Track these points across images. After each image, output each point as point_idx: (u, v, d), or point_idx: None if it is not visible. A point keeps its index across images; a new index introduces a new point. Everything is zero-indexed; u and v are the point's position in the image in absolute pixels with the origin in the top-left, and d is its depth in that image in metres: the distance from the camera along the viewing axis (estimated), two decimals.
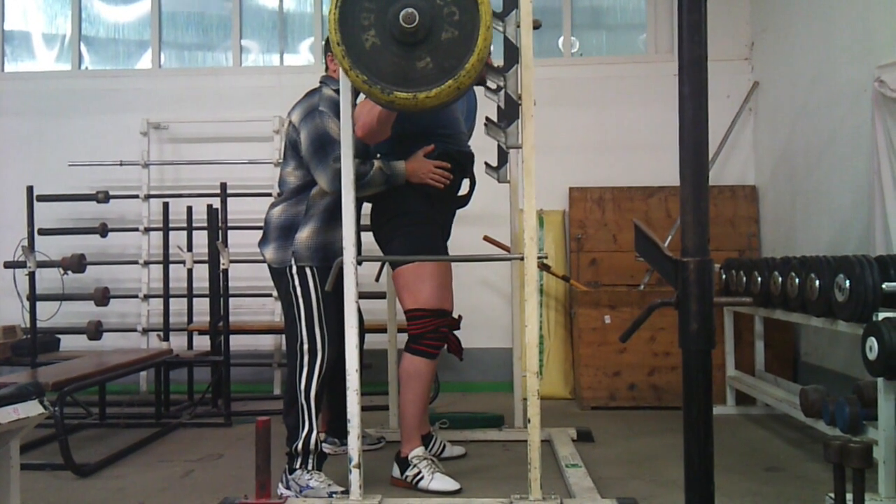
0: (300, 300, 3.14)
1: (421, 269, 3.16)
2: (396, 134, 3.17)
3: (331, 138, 3.06)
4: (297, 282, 3.16)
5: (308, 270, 3.15)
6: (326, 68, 3.42)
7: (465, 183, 3.49)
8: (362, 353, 3.71)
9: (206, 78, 5.92)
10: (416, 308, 3.16)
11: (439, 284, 3.19)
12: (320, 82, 3.33)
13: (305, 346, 3.11)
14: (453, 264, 3.38)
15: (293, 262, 3.16)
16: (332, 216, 3.16)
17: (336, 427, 3.66)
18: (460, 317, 3.40)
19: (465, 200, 3.50)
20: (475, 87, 3.69)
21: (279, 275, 3.23)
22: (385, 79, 2.48)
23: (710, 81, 1.57)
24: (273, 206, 3.32)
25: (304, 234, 3.17)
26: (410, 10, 2.41)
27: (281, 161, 5.43)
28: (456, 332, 3.38)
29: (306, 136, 3.13)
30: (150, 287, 5.62)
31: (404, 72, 2.48)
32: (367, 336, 3.97)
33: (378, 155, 3.25)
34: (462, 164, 3.36)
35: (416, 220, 3.21)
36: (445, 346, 3.29)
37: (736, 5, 5.62)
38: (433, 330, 3.16)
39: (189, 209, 5.32)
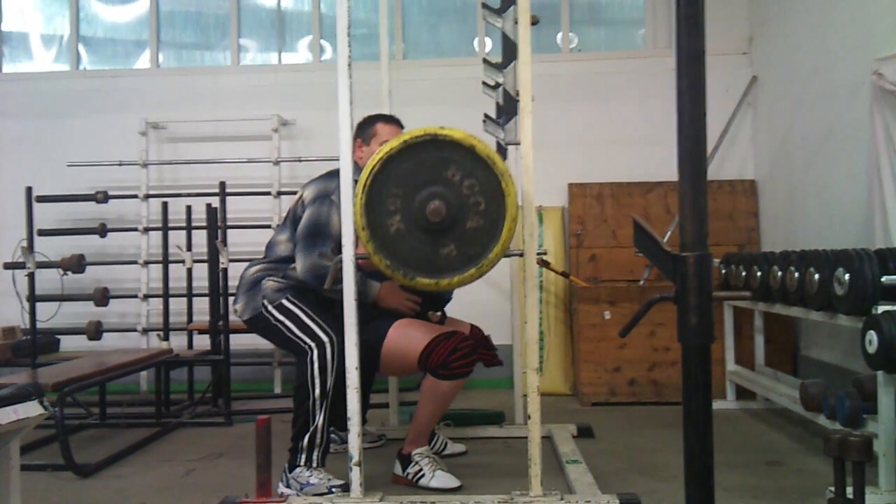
0: (288, 322, 3.14)
1: (397, 331, 3.12)
2: None
3: (328, 231, 3.07)
4: (277, 314, 3.15)
5: (285, 301, 3.15)
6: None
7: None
8: (374, 350, 3.71)
9: (205, 77, 5.92)
10: (422, 350, 3.06)
11: (424, 326, 3.16)
12: None
13: (312, 343, 3.09)
14: None
15: (266, 303, 3.17)
16: (305, 290, 3.17)
17: (339, 419, 3.64)
18: (489, 336, 3.36)
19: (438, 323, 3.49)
20: None
21: (255, 322, 3.23)
22: (408, 264, 2.54)
23: (709, 76, 1.57)
24: (251, 265, 3.33)
25: (271, 281, 3.19)
26: (439, 204, 2.45)
27: (280, 159, 5.50)
28: (486, 352, 3.34)
29: (307, 217, 3.14)
30: (149, 287, 5.61)
31: (428, 258, 2.54)
32: None
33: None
34: (436, 302, 3.36)
35: (372, 314, 3.18)
36: (480, 361, 3.23)
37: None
38: (452, 351, 3.05)
39: (188, 208, 5.32)
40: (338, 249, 2.80)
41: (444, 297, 3.45)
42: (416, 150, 2.50)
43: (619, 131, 5.61)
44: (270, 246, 3.32)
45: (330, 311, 3.10)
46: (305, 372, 3.10)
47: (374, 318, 3.18)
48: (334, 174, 3.16)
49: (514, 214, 2.50)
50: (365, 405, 3.58)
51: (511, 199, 2.49)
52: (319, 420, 3.06)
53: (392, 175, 2.51)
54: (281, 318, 3.15)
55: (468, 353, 3.09)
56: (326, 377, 3.07)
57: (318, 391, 3.07)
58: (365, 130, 3.29)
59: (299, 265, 3.11)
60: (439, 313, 3.47)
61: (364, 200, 2.49)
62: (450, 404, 3.24)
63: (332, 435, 3.66)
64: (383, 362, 3.18)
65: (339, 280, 2.85)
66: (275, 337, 3.23)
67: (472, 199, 2.49)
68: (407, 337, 3.11)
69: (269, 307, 3.16)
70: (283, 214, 3.43)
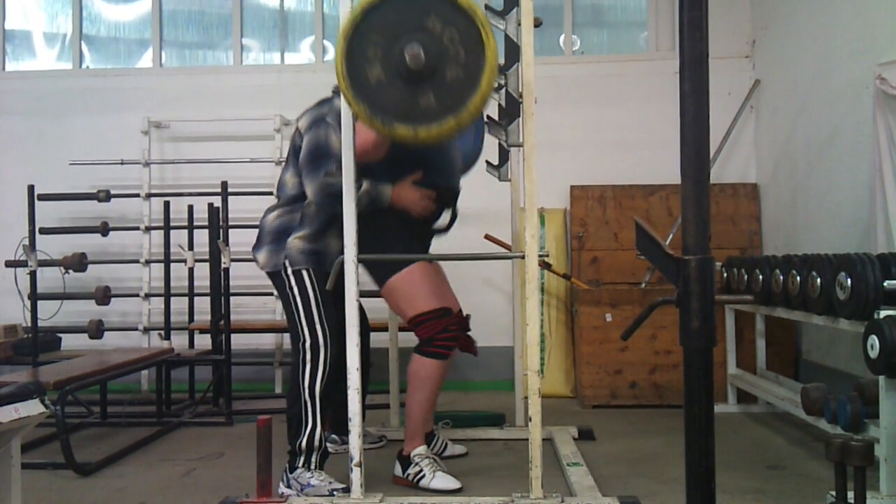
0: (298, 300, 3.15)
1: (410, 276, 3.15)
2: (389, 157, 3.16)
3: (329, 151, 3.07)
4: (293, 282, 3.16)
5: (304, 273, 3.15)
6: None
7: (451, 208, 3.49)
8: (368, 351, 3.72)
9: (207, 76, 5.92)
10: (418, 314, 3.15)
11: (433, 287, 3.20)
12: (333, 92, 3.32)
13: (308, 343, 3.11)
14: (455, 263, 3.39)
15: (287, 264, 3.16)
16: (327, 226, 3.18)
17: (338, 423, 3.65)
18: (468, 315, 3.39)
19: (444, 231, 3.50)
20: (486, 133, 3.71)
21: (274, 277, 3.24)
22: (387, 112, 2.50)
23: (711, 79, 1.57)
24: (269, 211, 3.33)
25: (296, 239, 3.18)
26: (417, 51, 2.43)
27: (282, 160, 5.49)
28: (469, 333, 3.36)
29: (306, 144, 3.14)
30: (151, 286, 5.62)
31: (406, 107, 2.50)
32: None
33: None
34: (446, 198, 3.36)
35: (392, 237, 3.20)
36: (458, 347, 3.27)
37: (737, 3, 5.61)
38: (442, 330, 3.14)
39: (190, 208, 5.32)
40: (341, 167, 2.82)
41: (455, 190, 3.42)
42: None
43: (622, 134, 5.61)
44: (281, 186, 3.33)
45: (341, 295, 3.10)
46: (297, 373, 3.12)
47: (397, 233, 3.20)
48: (325, 101, 3.28)
49: (494, 65, 2.47)
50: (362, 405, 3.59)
51: (491, 50, 2.46)
52: (312, 423, 3.07)
53: (373, 24, 2.49)
54: (295, 290, 3.15)
55: (453, 336, 3.18)
56: (316, 380, 3.09)
57: (307, 393, 3.08)
58: None
59: (309, 191, 3.12)
60: (451, 212, 3.48)
61: (345, 49, 2.48)
62: (438, 390, 3.27)
63: (333, 436, 3.67)
64: (385, 289, 3.23)
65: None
66: (283, 300, 3.25)
67: (451, 50, 2.48)
68: (415, 288, 3.16)
69: (289, 270, 3.16)
70: None
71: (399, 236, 3.21)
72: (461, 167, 3.53)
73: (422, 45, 2.45)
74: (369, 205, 3.12)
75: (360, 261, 2.89)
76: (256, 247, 3.30)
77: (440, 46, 2.47)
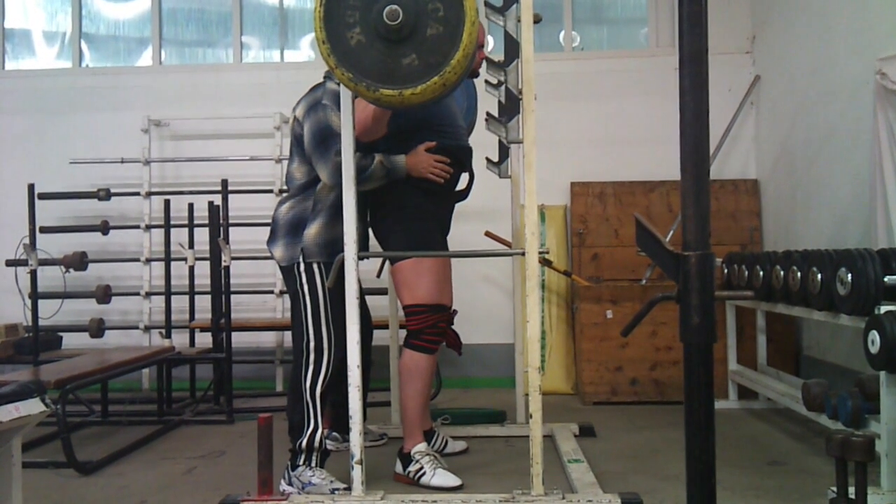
0: (307, 298, 3.14)
1: (419, 264, 3.17)
2: (394, 130, 3.17)
3: (333, 131, 3.06)
4: (304, 279, 3.15)
5: (315, 267, 3.14)
6: None
7: (464, 177, 3.49)
8: (370, 349, 3.72)
9: (207, 74, 5.92)
10: (415, 304, 3.18)
11: (438, 279, 3.21)
12: (324, 77, 3.33)
13: (312, 345, 3.11)
14: (454, 260, 3.39)
15: (301, 258, 3.15)
16: (340, 211, 3.16)
17: (339, 422, 3.65)
18: (455, 311, 3.40)
19: (464, 194, 3.50)
20: (475, 84, 3.71)
21: (288, 272, 3.23)
22: (370, 76, 2.49)
23: (711, 75, 1.56)
24: (281, 203, 3.32)
25: (312, 231, 3.17)
26: (394, 6, 2.42)
27: (283, 157, 5.50)
28: (452, 327, 3.39)
29: (309, 130, 3.14)
30: (151, 284, 5.62)
31: (390, 69, 2.49)
32: None
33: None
34: (460, 158, 3.35)
35: (414, 215, 3.22)
36: (444, 342, 3.31)
37: None
38: (431, 325, 3.18)
39: (190, 206, 5.32)
40: None
41: (466, 148, 3.41)
42: None
43: (622, 130, 5.61)
44: (289, 178, 3.33)
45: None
46: (299, 373, 3.12)
47: (417, 210, 3.22)
48: (318, 86, 3.30)
49: (474, 18, 2.46)
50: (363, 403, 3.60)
51: (469, 2, 2.45)
52: (314, 424, 3.07)
53: None
54: (305, 287, 3.14)
55: (441, 332, 3.23)
56: (318, 382, 3.10)
57: (308, 394, 3.09)
58: None
59: (324, 174, 3.11)
60: (467, 176, 3.48)
61: (322, 13, 2.47)
62: (429, 384, 3.30)
63: (334, 433, 3.67)
64: (393, 270, 3.27)
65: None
66: (292, 297, 3.24)
67: (429, 6, 2.46)
68: (420, 278, 3.17)
69: (302, 265, 3.15)
70: None
71: (416, 214, 3.22)
72: (466, 126, 3.55)
73: (399, 3, 2.42)
74: (386, 177, 3.15)
75: (361, 259, 2.89)
76: (271, 241, 3.28)
77: (417, 3, 2.45)
